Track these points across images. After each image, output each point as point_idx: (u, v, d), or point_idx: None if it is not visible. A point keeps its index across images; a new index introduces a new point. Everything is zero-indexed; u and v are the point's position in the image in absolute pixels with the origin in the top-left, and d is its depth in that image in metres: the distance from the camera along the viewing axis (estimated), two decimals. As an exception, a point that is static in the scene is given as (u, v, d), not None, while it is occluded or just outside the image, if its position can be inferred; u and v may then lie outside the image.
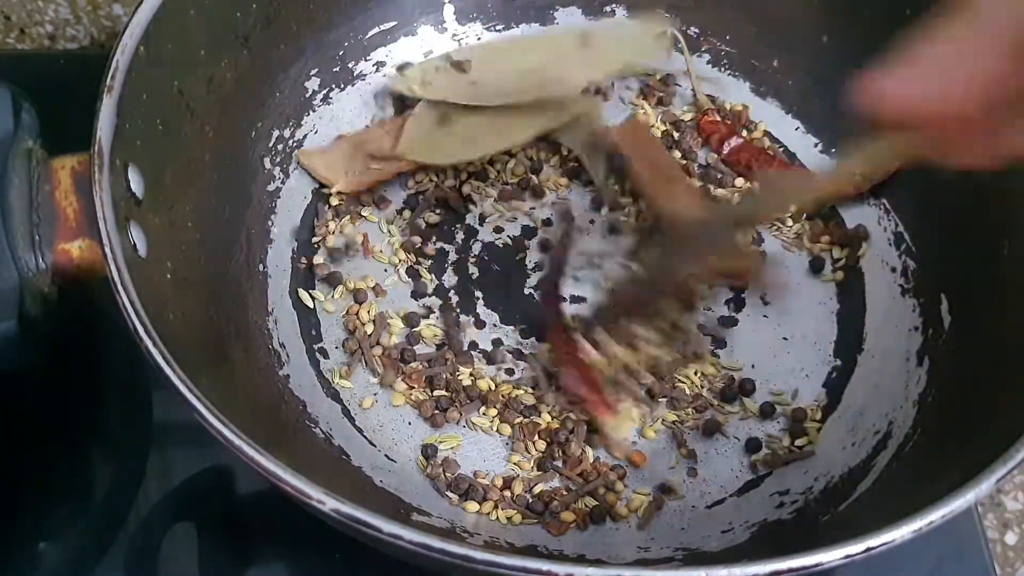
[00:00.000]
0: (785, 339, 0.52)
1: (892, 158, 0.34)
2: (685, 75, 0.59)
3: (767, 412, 0.49)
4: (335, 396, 0.49)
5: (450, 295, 0.53)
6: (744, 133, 0.58)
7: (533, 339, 0.51)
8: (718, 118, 0.58)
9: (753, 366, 0.51)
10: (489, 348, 0.51)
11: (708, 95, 0.59)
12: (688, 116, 0.59)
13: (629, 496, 0.47)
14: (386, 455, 0.48)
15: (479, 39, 0.59)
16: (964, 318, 0.49)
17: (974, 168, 0.32)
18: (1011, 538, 0.55)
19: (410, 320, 0.51)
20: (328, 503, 0.34)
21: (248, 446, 0.35)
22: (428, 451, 0.48)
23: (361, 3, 0.57)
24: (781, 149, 0.58)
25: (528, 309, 0.52)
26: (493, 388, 0.49)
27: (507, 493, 0.47)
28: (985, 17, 0.29)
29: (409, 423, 0.49)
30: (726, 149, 0.57)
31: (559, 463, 0.48)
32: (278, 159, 0.54)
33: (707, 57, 0.60)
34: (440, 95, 0.56)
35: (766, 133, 0.58)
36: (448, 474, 0.47)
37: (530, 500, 0.47)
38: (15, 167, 0.41)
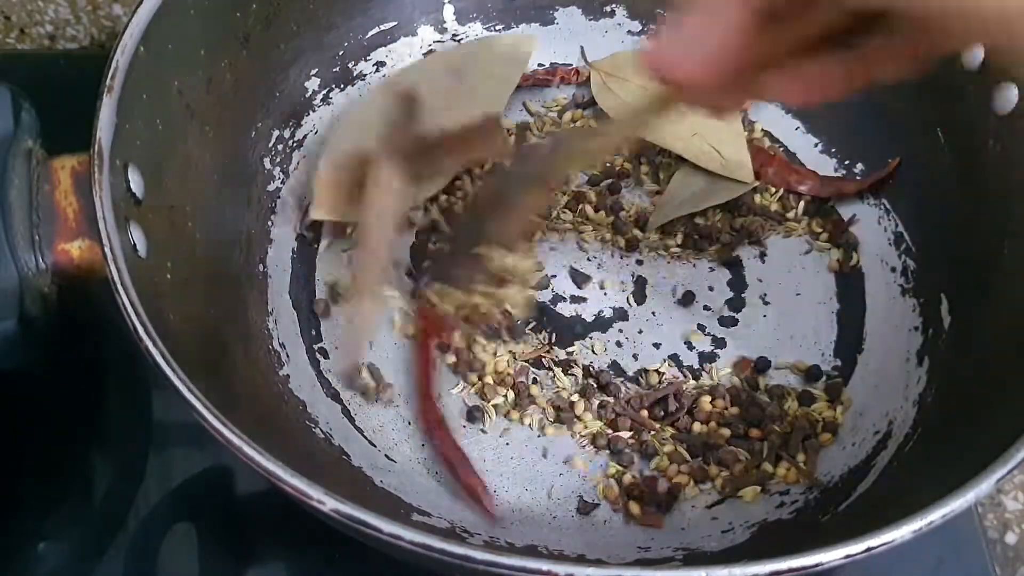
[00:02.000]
0: (788, 338, 0.52)
1: (661, 107, 0.39)
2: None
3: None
4: (335, 396, 0.50)
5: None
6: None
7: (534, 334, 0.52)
8: (779, 163, 0.57)
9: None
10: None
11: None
12: None
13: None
14: (386, 455, 0.48)
15: (479, 38, 0.60)
16: (964, 318, 0.49)
17: (724, 110, 0.38)
18: (1011, 538, 0.54)
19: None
20: (328, 503, 0.34)
21: (248, 446, 0.35)
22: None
23: (361, 3, 0.57)
24: (781, 149, 0.58)
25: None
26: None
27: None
28: None
29: (409, 423, 0.49)
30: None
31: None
32: (278, 159, 0.54)
33: (707, 57, 0.60)
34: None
35: (766, 133, 0.58)
36: None
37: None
38: (15, 167, 0.41)
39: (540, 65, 0.60)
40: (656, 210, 0.55)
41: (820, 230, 0.55)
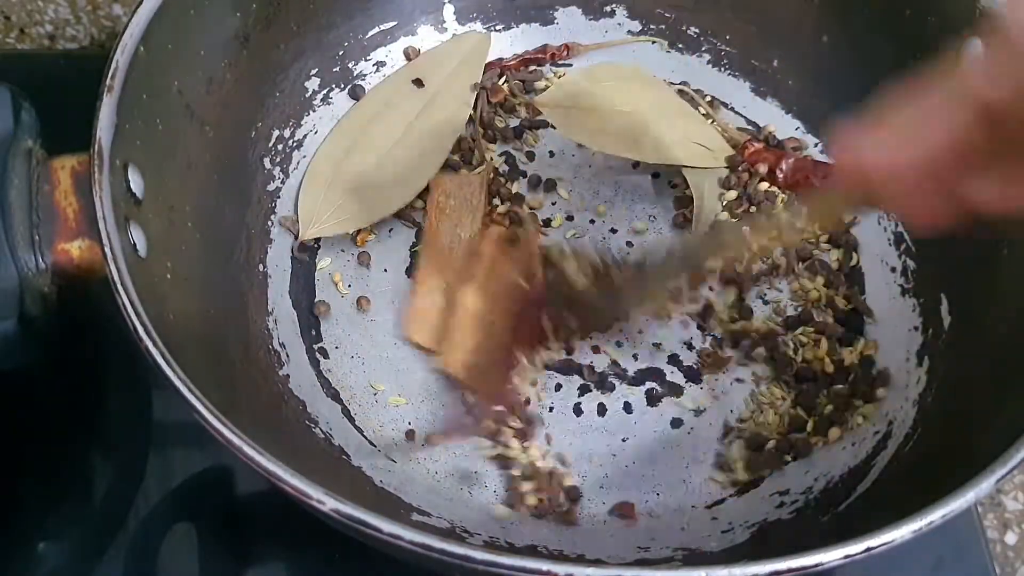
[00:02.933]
0: (785, 339, 0.52)
1: (847, 207, 0.38)
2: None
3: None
4: (335, 396, 0.50)
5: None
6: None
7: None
8: (758, 146, 0.56)
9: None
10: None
11: (740, 128, 0.58)
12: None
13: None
14: (386, 455, 0.48)
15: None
16: (964, 318, 0.49)
17: (928, 227, 0.34)
18: (1011, 538, 0.55)
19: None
20: (328, 503, 0.34)
21: (248, 446, 0.35)
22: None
23: (361, 3, 0.57)
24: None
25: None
26: None
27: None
28: (960, 80, 0.30)
29: (409, 423, 0.49)
30: (780, 175, 0.55)
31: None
32: (278, 159, 0.54)
33: (707, 57, 0.60)
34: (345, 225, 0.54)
35: (770, 133, 0.58)
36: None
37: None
38: (15, 167, 0.41)
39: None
40: (695, 219, 0.54)
41: (820, 231, 0.55)
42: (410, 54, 0.59)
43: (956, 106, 0.30)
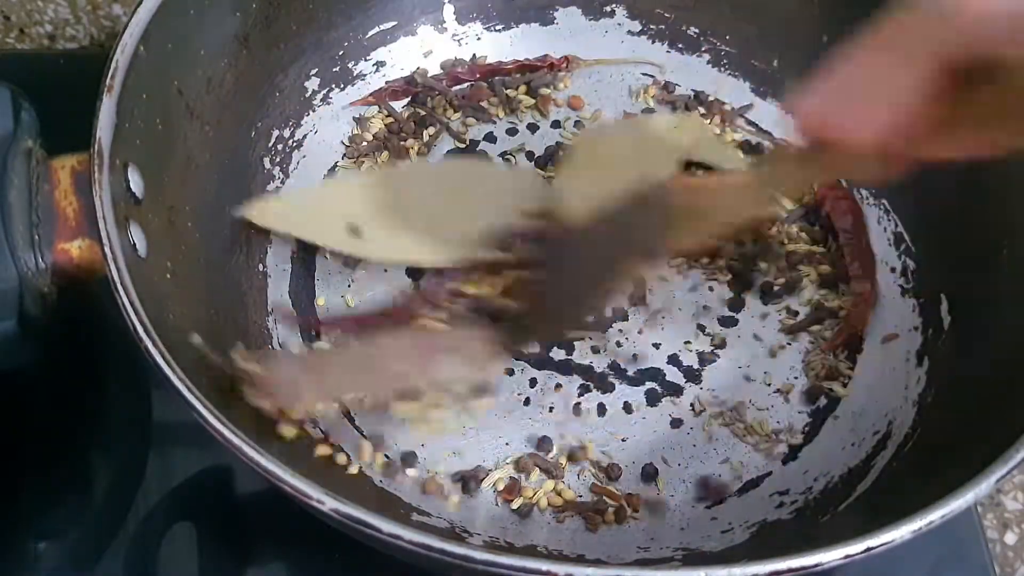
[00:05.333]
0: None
1: (810, 176, 0.35)
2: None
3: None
4: (335, 396, 0.50)
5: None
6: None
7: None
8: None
9: (749, 365, 0.51)
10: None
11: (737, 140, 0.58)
12: None
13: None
14: (385, 455, 0.48)
15: (479, 38, 0.60)
16: (964, 318, 0.49)
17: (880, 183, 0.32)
18: (1011, 538, 0.54)
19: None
20: (328, 503, 0.34)
21: (248, 446, 0.35)
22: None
23: (361, 3, 0.57)
24: (781, 149, 0.58)
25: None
26: None
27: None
28: (910, 36, 0.28)
29: (407, 423, 0.49)
30: None
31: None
32: (278, 159, 0.54)
33: (707, 57, 0.60)
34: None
35: (767, 133, 0.58)
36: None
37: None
38: (15, 167, 0.41)
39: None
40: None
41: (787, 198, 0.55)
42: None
43: (908, 63, 0.28)
